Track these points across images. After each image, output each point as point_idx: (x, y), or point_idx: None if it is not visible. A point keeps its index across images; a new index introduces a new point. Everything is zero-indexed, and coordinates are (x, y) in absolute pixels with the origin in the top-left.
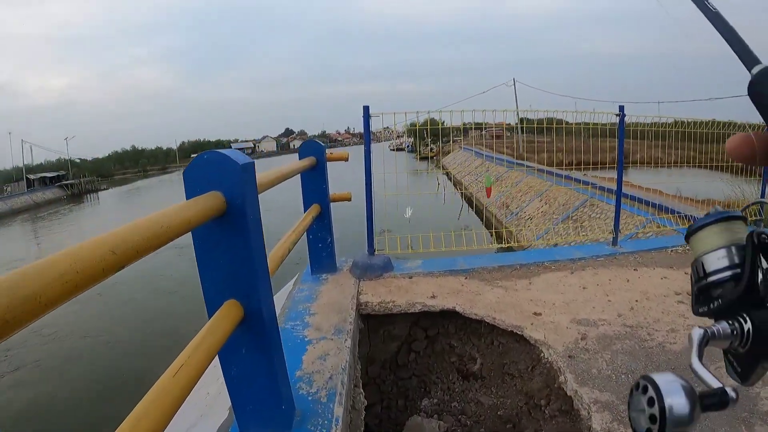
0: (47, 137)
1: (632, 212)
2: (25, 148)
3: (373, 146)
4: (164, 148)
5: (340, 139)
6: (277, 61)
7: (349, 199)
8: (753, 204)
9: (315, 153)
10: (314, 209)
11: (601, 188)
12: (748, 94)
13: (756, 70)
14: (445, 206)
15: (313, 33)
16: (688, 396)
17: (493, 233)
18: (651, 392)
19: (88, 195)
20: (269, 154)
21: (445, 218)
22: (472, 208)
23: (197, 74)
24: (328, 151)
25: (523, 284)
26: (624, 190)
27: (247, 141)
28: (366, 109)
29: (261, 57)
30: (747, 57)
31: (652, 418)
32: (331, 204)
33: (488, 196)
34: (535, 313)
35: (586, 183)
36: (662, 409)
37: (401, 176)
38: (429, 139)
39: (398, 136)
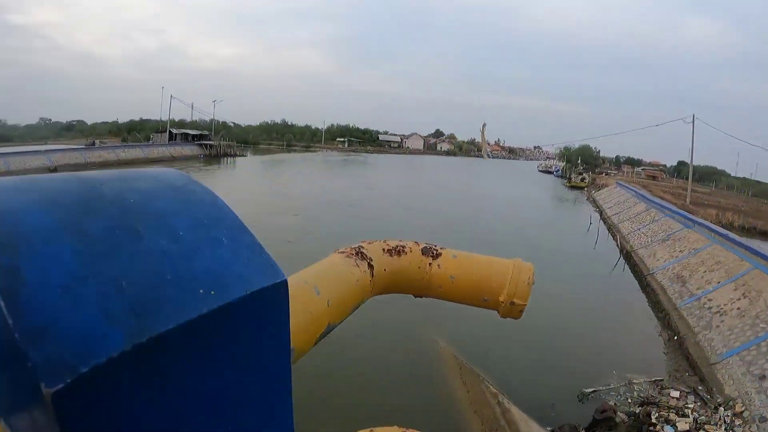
0: (206, 98)
1: None
2: (184, 107)
3: (519, 163)
4: (312, 127)
5: (489, 150)
6: (430, 61)
7: None
8: None
9: None
10: None
11: None
12: None
13: None
14: (595, 251)
15: (470, 37)
16: None
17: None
18: None
19: (226, 158)
20: (414, 152)
21: (593, 270)
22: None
23: (352, 62)
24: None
25: None
26: None
27: (395, 135)
28: None
29: (416, 55)
30: None
31: None
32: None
33: None
34: None
35: None
36: None
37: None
38: (581, 167)
39: (548, 158)
